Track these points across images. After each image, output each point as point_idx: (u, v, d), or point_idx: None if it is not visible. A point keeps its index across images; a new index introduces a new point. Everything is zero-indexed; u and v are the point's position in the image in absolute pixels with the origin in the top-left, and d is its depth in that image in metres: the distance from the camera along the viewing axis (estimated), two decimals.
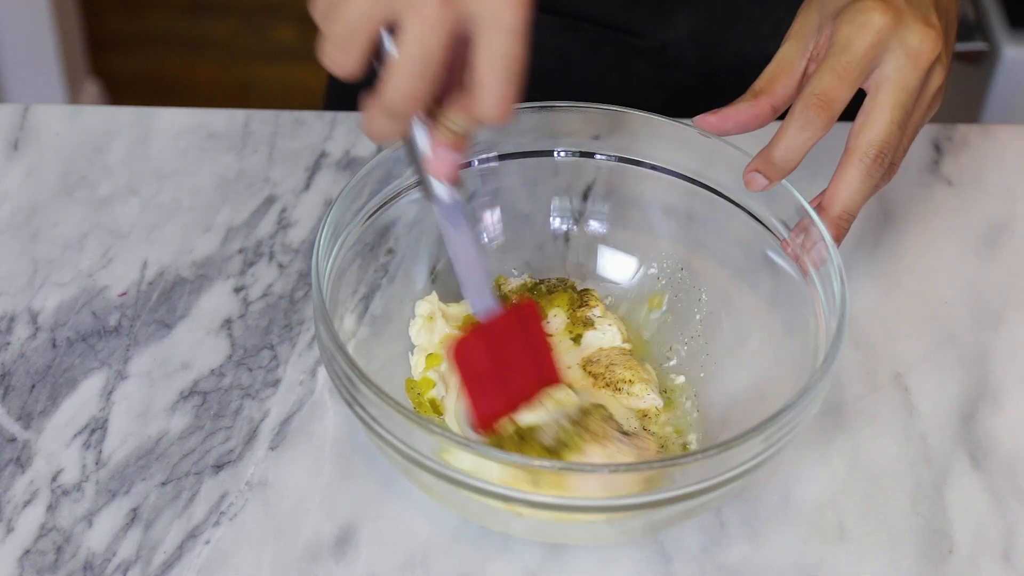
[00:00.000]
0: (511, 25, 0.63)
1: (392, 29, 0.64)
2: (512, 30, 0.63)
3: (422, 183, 0.70)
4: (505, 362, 0.72)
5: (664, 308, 0.85)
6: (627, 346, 0.81)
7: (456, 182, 0.69)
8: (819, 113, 0.75)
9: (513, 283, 0.82)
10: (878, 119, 0.76)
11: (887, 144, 0.76)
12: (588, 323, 0.81)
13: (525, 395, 0.72)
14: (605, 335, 0.81)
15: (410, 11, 0.62)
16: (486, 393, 0.72)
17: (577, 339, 0.81)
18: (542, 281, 0.82)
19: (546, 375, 0.73)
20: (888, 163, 0.77)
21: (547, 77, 1.02)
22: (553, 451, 0.71)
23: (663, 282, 0.85)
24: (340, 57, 0.65)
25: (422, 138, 0.68)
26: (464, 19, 0.63)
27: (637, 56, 1.03)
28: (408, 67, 0.63)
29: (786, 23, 0.80)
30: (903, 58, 0.76)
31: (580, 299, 0.82)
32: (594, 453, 0.72)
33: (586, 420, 0.73)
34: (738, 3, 1.01)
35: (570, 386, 0.74)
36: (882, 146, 0.76)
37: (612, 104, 0.83)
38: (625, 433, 0.73)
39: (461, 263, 0.71)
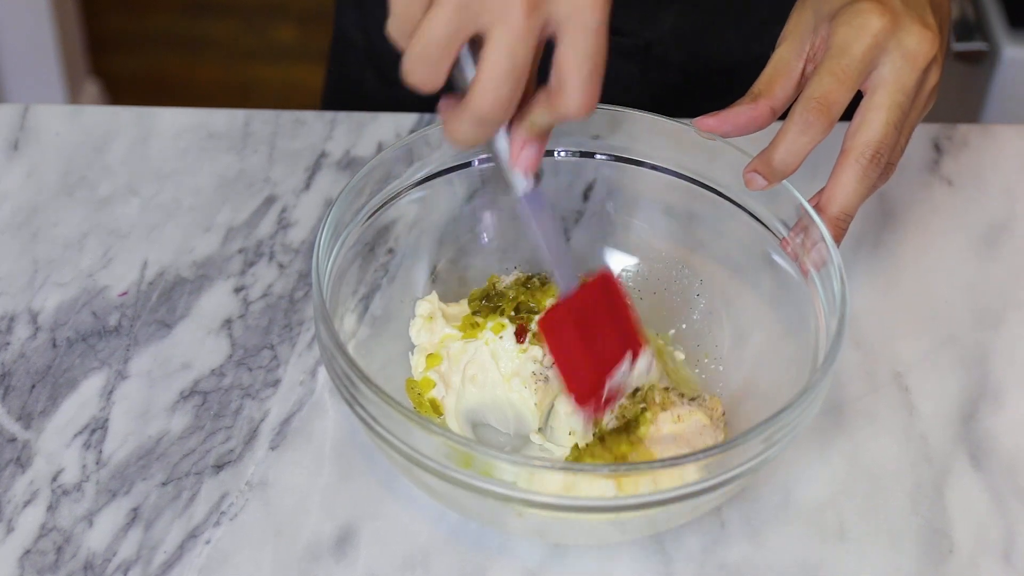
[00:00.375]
0: (594, 25, 0.65)
1: (476, 39, 0.65)
2: (595, 30, 0.65)
3: (504, 177, 0.71)
4: (592, 332, 0.73)
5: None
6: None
7: (537, 173, 0.71)
8: (818, 117, 0.75)
9: (506, 280, 0.82)
10: (875, 120, 0.77)
11: (883, 145, 0.77)
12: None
13: (613, 360, 0.74)
14: None
15: (498, 22, 0.63)
16: (577, 367, 0.73)
17: None
18: (534, 275, 0.82)
19: (631, 339, 0.74)
20: (885, 163, 0.77)
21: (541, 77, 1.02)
22: (625, 429, 0.73)
23: (664, 283, 0.85)
24: (427, 73, 0.65)
25: (502, 137, 0.69)
26: (549, 24, 0.64)
27: (622, 55, 1.03)
28: (499, 76, 0.64)
29: (772, 22, 0.80)
30: (900, 60, 0.76)
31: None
32: (665, 421, 0.74)
33: (646, 394, 0.74)
34: (723, 2, 1.01)
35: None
36: (878, 147, 0.76)
37: (599, 103, 0.83)
38: (689, 398, 0.75)
39: (548, 247, 0.72)
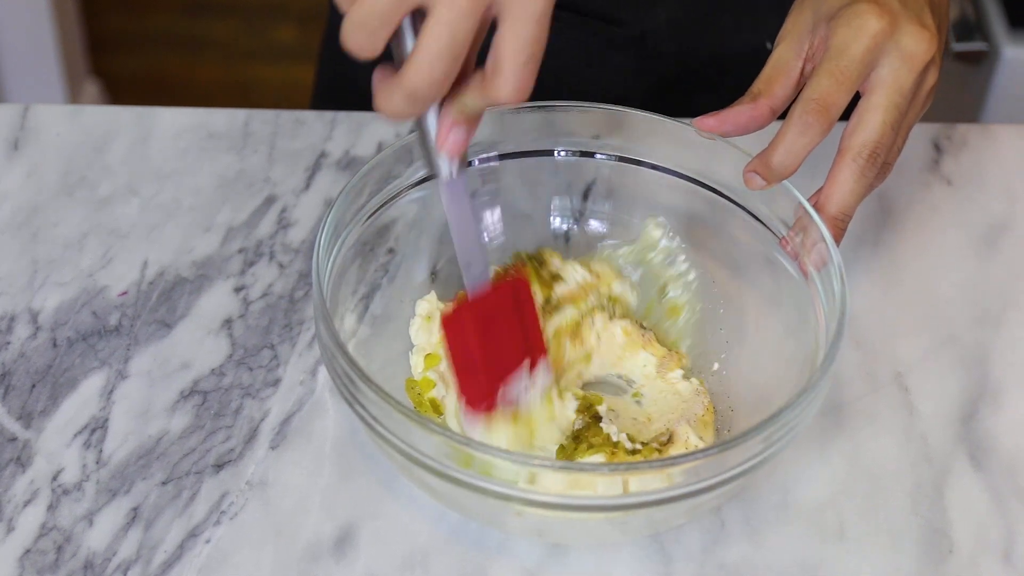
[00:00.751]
0: (536, 13, 0.64)
1: (416, 12, 0.65)
2: (537, 18, 0.64)
3: (427, 158, 0.71)
4: (494, 335, 0.73)
5: (686, 317, 0.85)
6: (592, 278, 0.81)
7: (462, 159, 0.70)
8: (817, 118, 0.75)
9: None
10: (871, 120, 0.77)
11: (880, 145, 0.77)
12: (555, 277, 0.81)
13: (511, 366, 0.74)
14: (575, 275, 0.81)
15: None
16: (472, 369, 0.73)
17: (551, 304, 0.81)
18: (503, 266, 0.83)
19: (533, 348, 0.74)
20: (881, 163, 0.78)
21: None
22: (592, 418, 0.74)
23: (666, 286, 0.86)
24: (365, 40, 0.65)
25: (432, 116, 0.69)
26: (492, 6, 0.64)
27: (617, 47, 1.03)
28: (436, 52, 0.64)
29: (769, 17, 0.80)
30: (898, 61, 0.77)
31: (538, 261, 0.82)
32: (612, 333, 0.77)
33: (585, 434, 0.75)
34: None
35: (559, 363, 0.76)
36: (875, 147, 0.77)
37: (594, 96, 0.83)
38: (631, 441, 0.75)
39: (460, 236, 0.73)
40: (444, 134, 0.68)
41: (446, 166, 0.70)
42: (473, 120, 0.68)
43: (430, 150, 0.70)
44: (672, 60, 1.03)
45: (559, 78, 0.84)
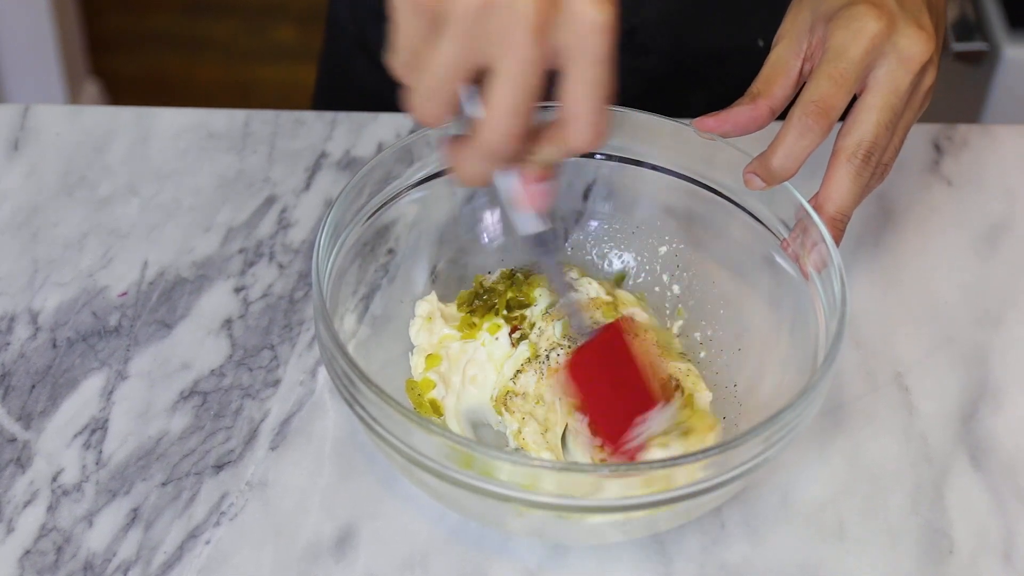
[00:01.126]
0: (601, 55, 0.62)
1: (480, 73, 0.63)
2: (602, 60, 0.62)
3: (511, 218, 0.69)
4: (620, 374, 0.72)
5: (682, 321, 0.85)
6: (609, 298, 0.81)
7: (548, 213, 0.69)
8: (817, 121, 0.75)
9: (492, 277, 0.82)
10: (866, 121, 0.77)
11: (875, 145, 0.77)
12: (569, 288, 0.81)
13: (642, 403, 0.72)
14: (589, 290, 0.81)
15: (505, 53, 0.61)
16: (607, 408, 0.72)
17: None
18: (517, 269, 0.82)
19: (657, 386, 0.73)
20: (876, 162, 0.78)
21: None
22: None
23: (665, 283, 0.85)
24: (432, 109, 0.63)
25: (510, 175, 0.67)
26: (556, 53, 0.62)
27: None
28: (508, 109, 0.62)
29: (760, 13, 0.80)
30: (895, 62, 0.77)
31: (523, 276, 0.82)
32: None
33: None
34: None
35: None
36: (870, 147, 0.77)
37: None
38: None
39: (559, 287, 0.72)
40: (529, 191, 0.67)
41: (532, 223, 0.68)
42: (553, 171, 0.67)
43: (511, 210, 0.68)
44: (664, 56, 1.03)
45: (549, 74, 0.84)
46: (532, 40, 0.61)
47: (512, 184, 0.67)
